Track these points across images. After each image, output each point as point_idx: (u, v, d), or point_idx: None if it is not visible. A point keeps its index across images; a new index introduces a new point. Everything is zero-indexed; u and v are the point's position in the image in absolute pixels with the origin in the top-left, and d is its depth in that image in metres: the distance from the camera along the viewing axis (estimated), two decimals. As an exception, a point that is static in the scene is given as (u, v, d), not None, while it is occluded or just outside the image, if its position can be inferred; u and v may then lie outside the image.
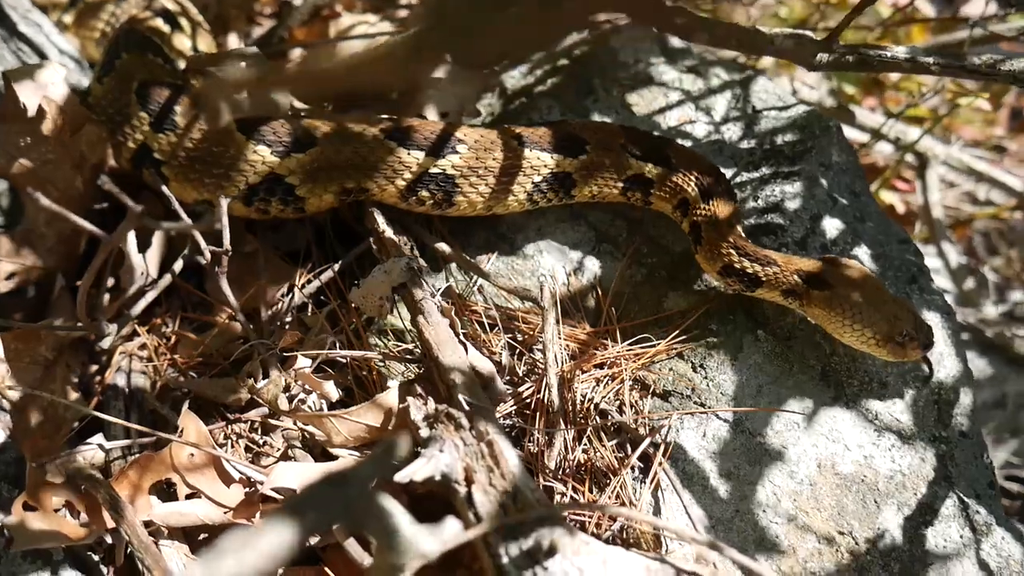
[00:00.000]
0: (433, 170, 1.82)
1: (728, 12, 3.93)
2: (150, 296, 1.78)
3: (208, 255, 1.70)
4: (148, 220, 1.19)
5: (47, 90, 1.71)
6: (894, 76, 2.81)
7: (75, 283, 1.95)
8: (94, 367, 1.84)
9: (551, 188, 1.88)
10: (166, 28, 2.10)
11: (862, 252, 1.91)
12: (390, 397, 1.56)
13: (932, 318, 1.87)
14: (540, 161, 1.86)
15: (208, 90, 0.77)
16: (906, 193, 3.18)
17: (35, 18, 2.25)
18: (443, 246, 1.90)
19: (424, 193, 1.84)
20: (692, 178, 1.82)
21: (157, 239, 1.89)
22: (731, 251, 1.72)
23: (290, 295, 1.87)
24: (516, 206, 1.90)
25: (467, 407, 1.39)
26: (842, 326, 1.67)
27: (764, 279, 1.71)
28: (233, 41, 2.57)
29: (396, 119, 1.86)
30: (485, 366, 1.57)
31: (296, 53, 2.42)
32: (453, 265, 1.92)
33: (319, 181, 1.80)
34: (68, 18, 2.39)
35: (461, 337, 1.60)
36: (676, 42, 2.29)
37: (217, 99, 0.90)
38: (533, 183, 1.87)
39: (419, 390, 1.55)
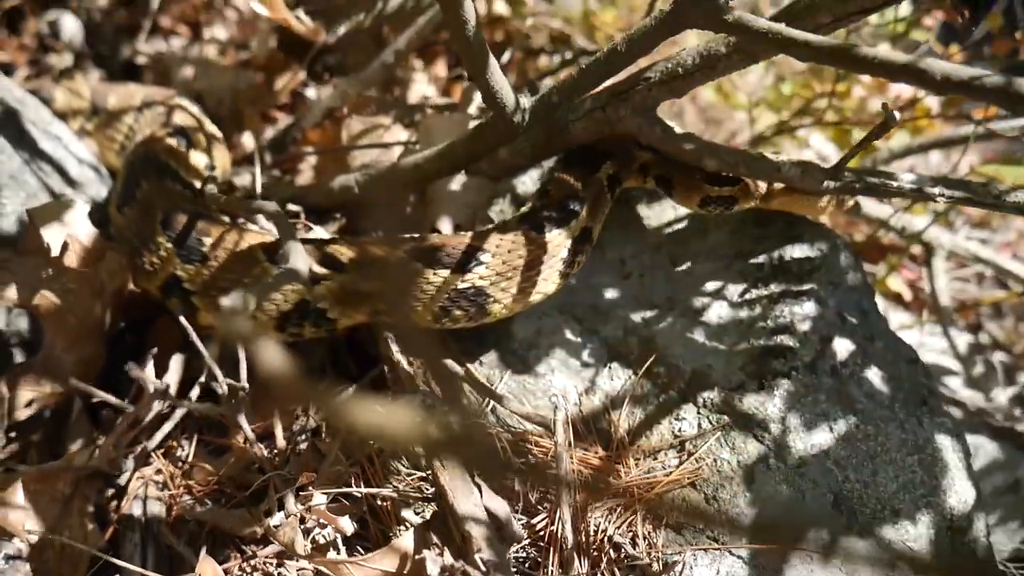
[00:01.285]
0: (462, 286, 1.82)
1: (730, 89, 3.98)
2: (167, 427, 1.79)
3: (225, 387, 1.72)
4: (175, 400, 1.21)
5: (71, 228, 1.74)
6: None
7: (91, 402, 1.97)
8: (110, 490, 1.86)
9: (581, 251, 1.93)
10: (182, 147, 2.15)
11: (872, 373, 1.93)
12: (406, 542, 1.57)
13: (942, 441, 1.88)
14: (562, 238, 1.88)
15: (234, 337, 0.80)
16: (912, 278, 3.20)
17: (55, 130, 2.29)
18: (456, 368, 1.91)
19: (457, 312, 1.84)
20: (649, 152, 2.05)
21: (175, 364, 1.91)
22: (704, 184, 1.98)
23: (306, 418, 1.89)
24: (554, 289, 1.91)
25: (483, 566, 1.40)
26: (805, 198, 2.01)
27: (738, 196, 2.01)
28: (248, 141, 2.62)
29: (417, 238, 1.87)
30: (500, 508, 1.59)
31: (311, 160, 2.47)
32: (466, 387, 1.93)
33: (349, 304, 1.82)
34: (90, 126, 2.44)
35: (476, 479, 1.61)
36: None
37: (241, 342, 0.93)
38: (563, 260, 1.89)
39: (434, 538, 1.56)
